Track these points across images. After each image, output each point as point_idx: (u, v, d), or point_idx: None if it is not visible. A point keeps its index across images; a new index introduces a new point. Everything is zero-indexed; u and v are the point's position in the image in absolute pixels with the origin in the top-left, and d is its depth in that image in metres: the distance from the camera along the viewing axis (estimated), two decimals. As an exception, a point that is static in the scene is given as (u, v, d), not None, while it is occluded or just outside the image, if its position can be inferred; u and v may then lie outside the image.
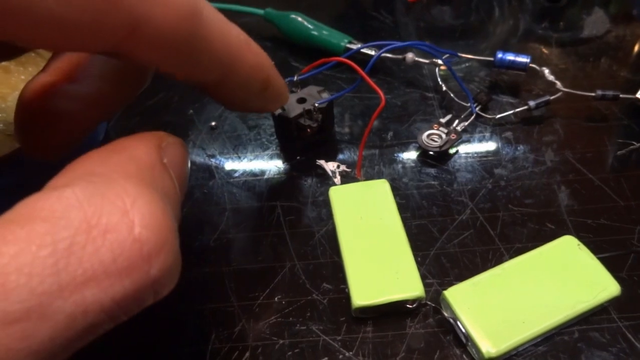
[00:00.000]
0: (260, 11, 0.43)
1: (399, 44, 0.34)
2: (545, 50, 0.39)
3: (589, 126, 0.33)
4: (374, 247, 0.26)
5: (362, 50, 0.38)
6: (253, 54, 0.21)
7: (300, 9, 0.42)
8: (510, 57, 0.36)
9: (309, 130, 0.32)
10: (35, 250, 0.11)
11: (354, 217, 0.27)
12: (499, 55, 0.36)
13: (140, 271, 0.12)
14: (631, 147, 0.30)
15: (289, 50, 0.41)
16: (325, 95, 0.32)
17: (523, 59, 0.35)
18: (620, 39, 0.40)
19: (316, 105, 0.31)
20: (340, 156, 0.33)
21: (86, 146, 0.32)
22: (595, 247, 0.26)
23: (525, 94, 0.36)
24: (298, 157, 0.33)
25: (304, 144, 0.33)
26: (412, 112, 0.35)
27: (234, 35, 0.19)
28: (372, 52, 0.38)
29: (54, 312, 0.11)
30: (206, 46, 0.17)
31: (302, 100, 0.32)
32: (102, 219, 0.12)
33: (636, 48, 0.39)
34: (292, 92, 0.33)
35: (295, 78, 0.33)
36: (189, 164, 0.19)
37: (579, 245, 0.25)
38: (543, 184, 0.30)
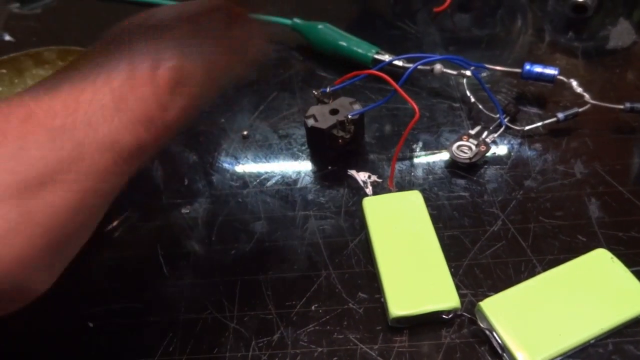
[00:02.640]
0: (288, 21, 0.44)
1: (432, 57, 0.34)
2: (571, 61, 0.39)
3: (617, 138, 0.34)
4: (408, 258, 0.27)
5: (393, 62, 0.39)
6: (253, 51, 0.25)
7: (325, 19, 0.43)
8: (538, 69, 0.36)
9: (340, 141, 0.32)
10: None
11: (388, 227, 0.28)
12: (527, 67, 0.36)
13: None
14: None
15: (317, 60, 0.41)
16: (357, 107, 0.33)
17: (551, 71, 0.36)
18: (645, 50, 0.40)
19: (349, 117, 0.32)
20: (371, 166, 0.33)
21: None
22: (627, 260, 0.27)
23: (553, 105, 0.36)
24: (330, 167, 0.33)
25: (336, 154, 0.33)
26: (440, 123, 0.36)
27: (231, 40, 0.23)
28: (401, 64, 0.39)
29: None
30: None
31: (334, 112, 0.33)
32: None
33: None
34: (324, 103, 0.34)
35: (327, 89, 0.34)
36: None
37: (612, 258, 0.26)
38: (573, 196, 0.31)
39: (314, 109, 0.33)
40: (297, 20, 0.43)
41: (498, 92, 0.38)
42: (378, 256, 0.27)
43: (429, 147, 0.34)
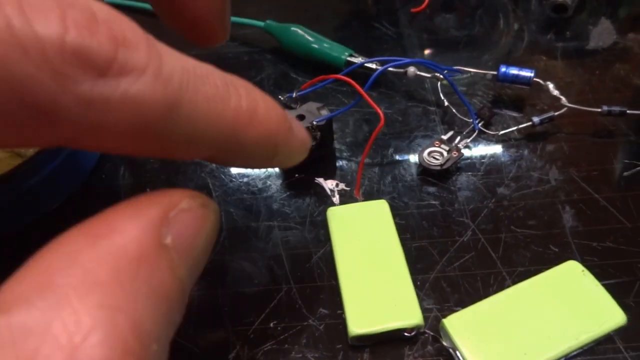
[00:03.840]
0: (261, 23, 0.42)
1: (400, 60, 0.33)
2: (550, 63, 0.38)
3: (595, 143, 0.33)
4: (371, 272, 0.25)
5: (365, 64, 0.38)
6: (257, 126, 0.17)
7: (302, 19, 0.42)
8: (513, 71, 0.35)
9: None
10: None
11: (352, 239, 0.27)
12: (502, 69, 0.35)
13: None
14: (637, 168, 0.29)
15: (290, 63, 0.40)
16: (325, 112, 0.31)
17: (527, 73, 0.35)
18: (627, 50, 0.39)
19: (314, 123, 0.30)
20: (340, 173, 0.32)
21: (73, 178, 0.32)
22: (600, 272, 0.25)
23: (530, 108, 0.35)
24: (297, 175, 0.32)
25: (303, 161, 0.32)
26: (413, 128, 0.34)
27: (231, 111, 0.15)
28: (374, 66, 0.37)
29: None
30: (189, 133, 0.14)
31: (301, 118, 0.31)
32: None
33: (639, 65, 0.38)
34: (291, 108, 0.32)
35: (294, 94, 0.32)
36: (213, 232, 0.15)
37: (583, 271, 0.25)
38: (547, 204, 0.29)
39: (279, 115, 0.31)
40: (270, 22, 0.42)
41: (474, 95, 0.36)
42: (340, 270, 0.26)
43: (400, 153, 0.33)
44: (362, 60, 0.37)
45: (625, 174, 0.29)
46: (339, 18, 0.45)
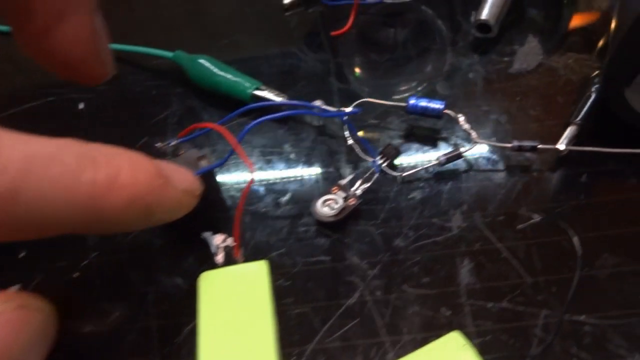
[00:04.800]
0: (170, 54, 0.40)
1: (278, 114, 0.30)
2: (469, 90, 0.36)
3: (503, 183, 0.30)
4: (235, 351, 0.23)
5: (268, 97, 0.35)
6: (120, 192, 0.16)
7: (221, 47, 0.40)
8: (423, 102, 0.32)
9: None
10: None
11: (221, 310, 0.24)
12: (412, 101, 0.33)
13: None
14: (531, 221, 0.27)
15: (200, 97, 0.38)
16: (204, 164, 0.29)
17: (437, 105, 0.32)
18: (552, 72, 0.36)
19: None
20: (231, 226, 0.30)
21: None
22: (492, 341, 0.23)
23: (443, 143, 0.32)
24: (180, 230, 0.30)
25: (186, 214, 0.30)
26: (316, 170, 0.32)
27: (85, 185, 0.15)
28: (279, 100, 0.35)
29: None
30: (36, 217, 0.14)
31: (180, 169, 0.29)
32: None
33: (563, 88, 0.35)
34: (176, 155, 0.30)
35: (172, 142, 0.30)
36: (41, 331, 0.15)
37: (464, 345, 0.22)
38: (445, 257, 0.27)
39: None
40: (179, 53, 0.40)
41: (386, 129, 0.34)
42: (201, 348, 0.23)
43: (297, 200, 0.30)
44: (267, 100, 0.35)
45: (519, 227, 0.27)
46: (263, 45, 0.43)
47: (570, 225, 0.27)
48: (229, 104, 0.36)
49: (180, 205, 0.21)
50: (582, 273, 0.25)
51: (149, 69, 0.41)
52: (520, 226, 0.27)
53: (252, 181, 0.25)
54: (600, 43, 0.38)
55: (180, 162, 0.29)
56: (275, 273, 0.27)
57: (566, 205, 0.28)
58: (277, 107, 0.35)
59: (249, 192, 0.31)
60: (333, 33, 0.42)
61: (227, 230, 0.29)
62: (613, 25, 0.32)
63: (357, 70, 0.40)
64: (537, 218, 0.27)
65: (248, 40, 0.43)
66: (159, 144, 0.30)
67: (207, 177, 0.29)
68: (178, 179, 0.21)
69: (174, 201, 0.21)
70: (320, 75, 0.38)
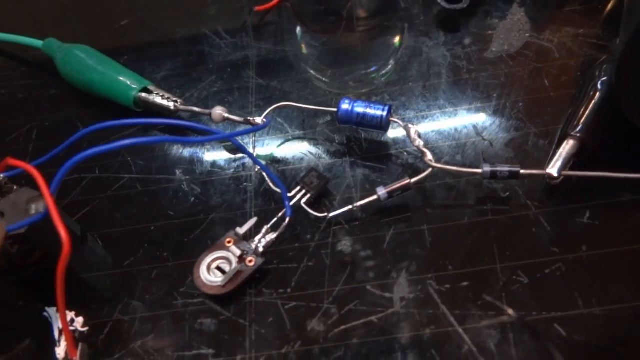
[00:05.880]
0: (39, 43, 0.30)
1: (147, 140, 0.21)
2: (434, 83, 0.26)
3: (472, 226, 0.21)
4: None
5: (156, 102, 0.26)
6: None
7: (113, 32, 0.30)
8: (359, 109, 0.23)
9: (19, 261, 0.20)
10: None
11: None
12: (343, 105, 0.23)
13: None
14: (503, 318, 0.18)
15: (82, 102, 0.28)
16: (37, 208, 0.20)
17: (377, 112, 0.23)
18: (544, 54, 0.26)
19: (6, 231, 0.19)
20: (91, 292, 0.21)
21: None
22: None
23: (388, 165, 0.23)
24: (20, 302, 0.21)
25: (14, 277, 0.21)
26: (214, 207, 0.23)
27: None
28: (171, 106, 0.26)
29: None
30: None
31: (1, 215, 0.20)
32: None
33: (558, 79, 0.25)
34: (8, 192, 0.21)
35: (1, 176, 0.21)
36: None
37: None
38: (383, 349, 0.18)
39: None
40: (51, 41, 0.30)
41: (313, 144, 0.25)
42: None
43: (180, 256, 0.22)
44: (154, 105, 0.25)
45: (483, 323, 0.18)
46: (163, 29, 0.33)
47: (564, 325, 0.18)
48: (114, 109, 0.27)
49: None
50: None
51: (22, 63, 0.32)
52: (484, 323, 0.18)
53: (66, 252, 0.16)
54: (608, 7, 0.28)
55: (6, 204, 0.20)
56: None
57: (561, 263, 0.19)
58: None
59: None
60: (258, 8, 0.32)
61: (85, 298, 0.21)
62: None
63: (285, 57, 0.30)
64: (512, 315, 0.17)
65: (152, 20, 0.33)
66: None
67: (30, 235, 0.20)
68: None
69: None
70: (236, 67, 0.29)
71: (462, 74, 0.26)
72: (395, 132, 0.24)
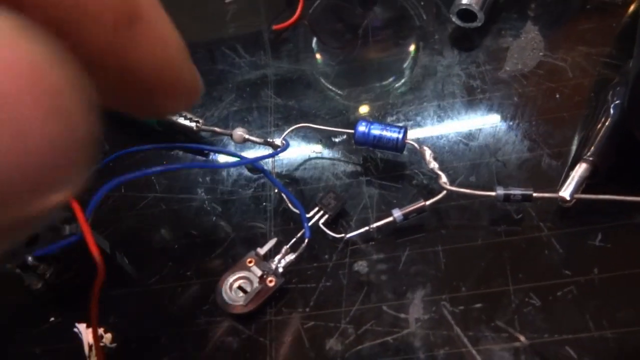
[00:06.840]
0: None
1: (138, 171, 0.22)
2: (447, 103, 0.27)
3: (485, 248, 0.21)
4: None
5: (179, 122, 0.27)
6: None
7: None
8: (375, 131, 0.24)
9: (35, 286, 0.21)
10: None
11: None
12: (360, 127, 0.24)
13: None
14: (516, 344, 0.18)
15: (103, 118, 0.30)
16: (70, 230, 0.21)
17: (393, 134, 0.23)
18: (557, 74, 0.27)
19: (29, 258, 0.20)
20: (118, 309, 0.22)
21: None
22: None
23: (405, 187, 0.24)
24: (52, 319, 0.22)
25: (49, 296, 0.22)
26: (234, 228, 0.24)
27: None
28: (188, 124, 0.27)
29: None
30: None
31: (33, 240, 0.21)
32: None
33: (571, 98, 0.26)
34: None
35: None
36: None
37: None
38: (396, 369, 0.19)
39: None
40: None
41: (331, 164, 0.25)
42: None
43: (204, 274, 0.23)
44: (177, 126, 0.26)
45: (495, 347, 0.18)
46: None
47: (575, 347, 0.18)
48: (136, 127, 0.28)
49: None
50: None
51: None
52: (497, 345, 0.18)
53: (101, 277, 0.17)
54: (621, 25, 0.28)
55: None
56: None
57: (572, 286, 0.20)
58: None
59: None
60: (275, 26, 0.33)
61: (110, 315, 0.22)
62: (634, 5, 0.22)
63: (303, 76, 0.31)
64: (524, 341, 0.18)
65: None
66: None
67: (72, 254, 0.21)
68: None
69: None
70: (255, 86, 0.30)
71: (476, 94, 0.27)
72: (410, 152, 0.25)
